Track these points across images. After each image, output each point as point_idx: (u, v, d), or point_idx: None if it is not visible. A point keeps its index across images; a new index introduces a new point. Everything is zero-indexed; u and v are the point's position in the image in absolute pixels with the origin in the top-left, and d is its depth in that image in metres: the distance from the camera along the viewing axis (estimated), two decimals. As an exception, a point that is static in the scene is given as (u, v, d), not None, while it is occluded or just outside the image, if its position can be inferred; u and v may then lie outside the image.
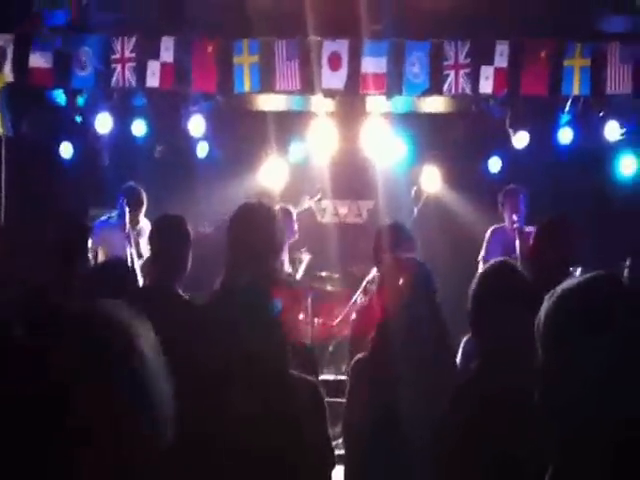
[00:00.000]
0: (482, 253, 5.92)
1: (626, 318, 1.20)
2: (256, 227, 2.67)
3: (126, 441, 0.91)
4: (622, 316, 1.20)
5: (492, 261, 2.41)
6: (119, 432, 0.91)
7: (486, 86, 5.68)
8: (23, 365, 0.89)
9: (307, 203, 7.28)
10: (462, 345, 4.36)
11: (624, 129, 6.35)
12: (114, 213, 5.60)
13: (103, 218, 5.69)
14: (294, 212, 6.23)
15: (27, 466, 0.87)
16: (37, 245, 3.75)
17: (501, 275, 2.23)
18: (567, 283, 1.27)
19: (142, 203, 5.65)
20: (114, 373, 0.92)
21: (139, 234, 5.58)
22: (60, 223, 3.47)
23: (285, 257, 6.45)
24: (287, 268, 6.50)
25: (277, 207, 2.77)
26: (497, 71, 5.65)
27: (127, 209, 5.36)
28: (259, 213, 2.76)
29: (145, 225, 5.60)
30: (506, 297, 2.15)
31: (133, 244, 5.37)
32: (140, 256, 5.32)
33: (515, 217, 5.66)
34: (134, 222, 5.52)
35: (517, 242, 5.47)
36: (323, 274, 7.08)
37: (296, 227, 5.87)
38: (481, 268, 2.33)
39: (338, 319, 6.57)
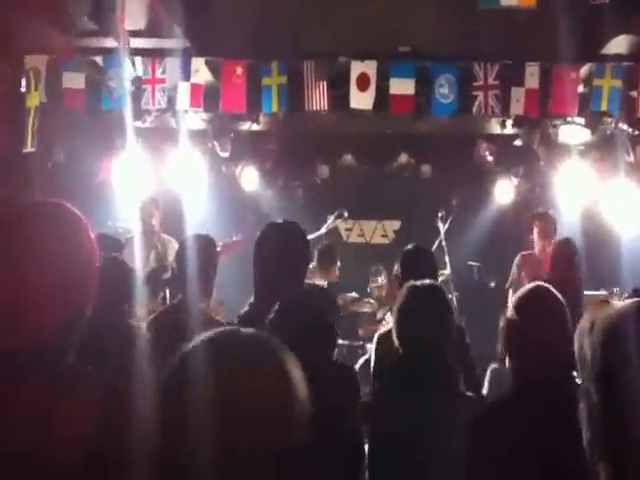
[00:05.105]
0: (510, 279, 5.80)
1: None
2: (285, 244, 2.68)
3: None
4: None
5: (528, 286, 2.34)
6: None
7: (517, 107, 5.64)
8: None
9: (332, 223, 7.27)
10: (489, 373, 4.25)
11: None
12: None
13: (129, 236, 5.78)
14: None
15: None
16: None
17: (538, 299, 2.18)
18: (609, 314, 1.22)
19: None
20: None
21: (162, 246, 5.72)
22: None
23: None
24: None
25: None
26: (528, 92, 5.61)
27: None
28: (286, 231, 2.77)
29: (167, 240, 5.73)
30: (545, 322, 2.10)
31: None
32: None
33: (546, 243, 5.55)
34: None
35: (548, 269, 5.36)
36: (348, 295, 7.04)
37: None
38: (513, 295, 2.26)
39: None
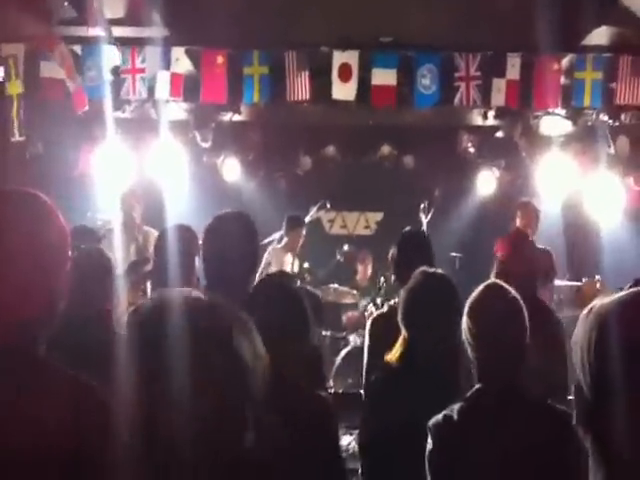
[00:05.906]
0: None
1: None
2: (236, 238, 2.63)
3: None
4: None
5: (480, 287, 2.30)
6: None
7: (498, 98, 5.65)
8: None
9: (315, 214, 7.26)
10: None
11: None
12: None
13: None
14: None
15: None
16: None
17: (487, 299, 2.16)
18: (606, 303, 1.22)
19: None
20: None
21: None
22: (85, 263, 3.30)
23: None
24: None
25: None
26: (509, 83, 5.62)
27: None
28: (237, 223, 2.72)
29: (149, 232, 5.67)
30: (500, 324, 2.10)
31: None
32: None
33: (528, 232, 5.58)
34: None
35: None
36: (330, 286, 7.05)
37: None
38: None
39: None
